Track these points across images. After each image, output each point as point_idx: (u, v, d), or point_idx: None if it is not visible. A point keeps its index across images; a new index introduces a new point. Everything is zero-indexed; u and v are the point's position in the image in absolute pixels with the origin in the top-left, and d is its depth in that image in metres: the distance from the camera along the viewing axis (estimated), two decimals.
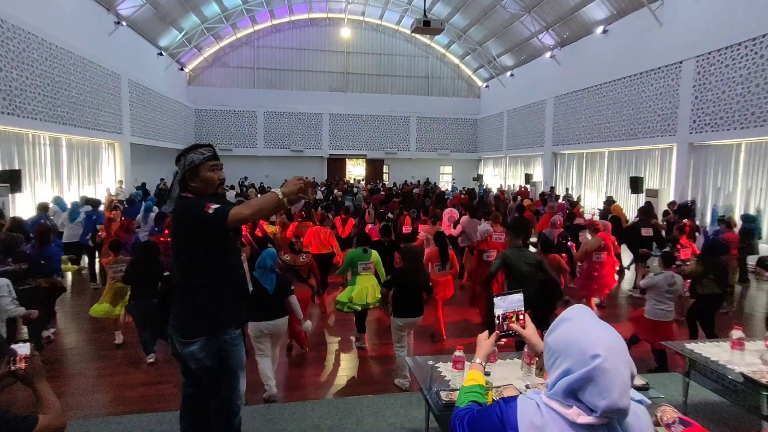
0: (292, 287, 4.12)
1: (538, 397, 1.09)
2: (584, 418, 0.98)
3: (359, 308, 4.87)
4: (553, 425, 1.01)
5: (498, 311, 1.63)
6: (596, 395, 0.96)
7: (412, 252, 4.31)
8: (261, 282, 3.85)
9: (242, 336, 2.49)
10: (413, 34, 19.12)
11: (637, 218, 7.91)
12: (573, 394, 1.01)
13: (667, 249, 5.45)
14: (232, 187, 17.50)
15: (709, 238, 6.32)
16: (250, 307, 3.93)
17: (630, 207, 12.50)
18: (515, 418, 1.07)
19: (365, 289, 4.88)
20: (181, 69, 20.92)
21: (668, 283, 4.34)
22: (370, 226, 7.52)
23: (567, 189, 15.86)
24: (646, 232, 7.17)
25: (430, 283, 4.49)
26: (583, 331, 1.03)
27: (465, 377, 1.49)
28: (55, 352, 4.88)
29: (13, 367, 1.63)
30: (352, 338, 5.32)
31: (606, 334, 1.03)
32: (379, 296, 4.76)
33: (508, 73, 20.73)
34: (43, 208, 7.53)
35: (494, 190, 18.62)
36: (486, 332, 1.66)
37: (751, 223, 8.02)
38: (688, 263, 5.84)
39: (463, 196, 13.54)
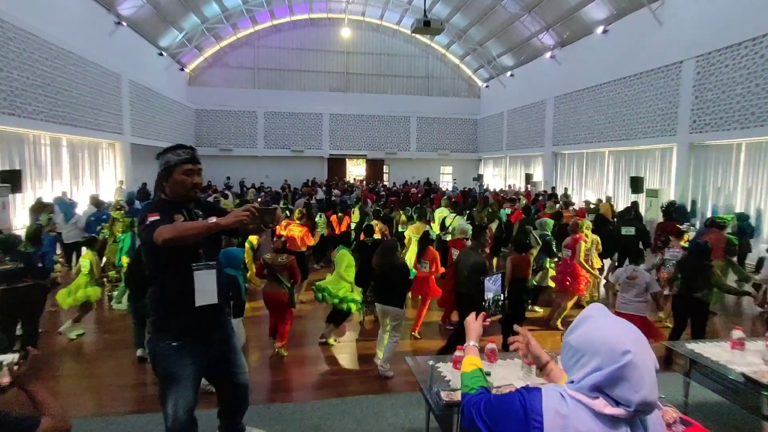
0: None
1: (561, 389, 1.10)
2: (611, 410, 1.01)
3: (335, 302, 5.00)
4: (579, 414, 1.04)
5: (488, 294, 1.68)
6: (629, 390, 0.99)
7: (384, 246, 4.61)
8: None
9: (182, 352, 2.29)
10: (413, 35, 19.10)
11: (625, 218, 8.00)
12: (601, 389, 1.03)
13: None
14: (230, 188, 17.55)
15: (692, 242, 6.26)
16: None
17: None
18: (540, 407, 1.08)
19: (341, 285, 5.04)
20: (182, 69, 20.92)
21: (627, 275, 4.49)
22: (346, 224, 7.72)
23: (565, 189, 15.86)
24: (626, 231, 7.23)
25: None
26: (608, 329, 1.06)
27: (463, 363, 1.50)
28: (55, 352, 4.88)
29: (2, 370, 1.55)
30: (338, 340, 5.31)
31: (630, 331, 1.06)
32: (353, 297, 5.02)
33: (508, 73, 20.72)
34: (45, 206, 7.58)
35: (491, 190, 18.66)
36: (473, 314, 1.71)
37: (743, 221, 8.04)
38: (663, 270, 5.84)
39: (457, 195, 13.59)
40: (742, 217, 8.19)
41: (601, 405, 1.01)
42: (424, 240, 5.62)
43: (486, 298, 1.65)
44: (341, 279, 5.07)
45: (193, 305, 2.25)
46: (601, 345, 1.03)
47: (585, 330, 1.09)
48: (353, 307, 5.04)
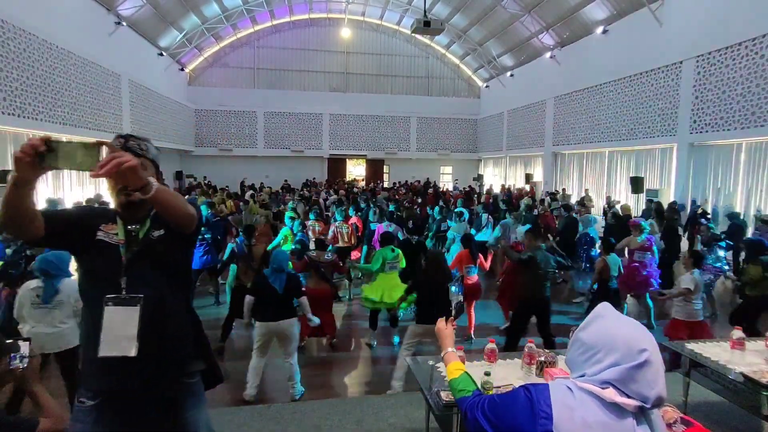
0: (303, 288, 4.28)
1: (568, 382, 1.12)
2: (621, 399, 1.03)
3: (384, 307, 5.09)
4: (586, 404, 1.05)
5: (460, 298, 1.73)
6: (646, 386, 1.02)
7: (434, 257, 4.27)
8: (270, 281, 3.92)
9: (97, 418, 1.60)
10: (413, 35, 19.09)
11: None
12: (614, 384, 1.05)
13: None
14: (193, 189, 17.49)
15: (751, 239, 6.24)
16: (258, 306, 3.95)
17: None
18: (549, 399, 1.08)
19: (393, 288, 5.05)
20: (182, 69, 20.91)
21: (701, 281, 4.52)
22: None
23: (564, 189, 15.83)
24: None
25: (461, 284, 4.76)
26: (623, 327, 1.09)
27: (448, 370, 1.50)
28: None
29: (12, 365, 1.55)
30: (365, 340, 5.37)
31: (642, 330, 1.09)
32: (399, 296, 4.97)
33: (508, 73, 20.71)
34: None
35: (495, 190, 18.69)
36: (442, 320, 1.73)
37: (735, 219, 8.05)
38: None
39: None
40: (734, 215, 8.19)
41: (612, 394, 1.03)
42: (472, 244, 5.63)
43: (457, 301, 1.67)
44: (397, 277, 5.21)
45: (90, 356, 1.60)
46: (619, 342, 1.05)
47: (599, 327, 1.11)
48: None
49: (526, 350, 2.79)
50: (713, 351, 3.22)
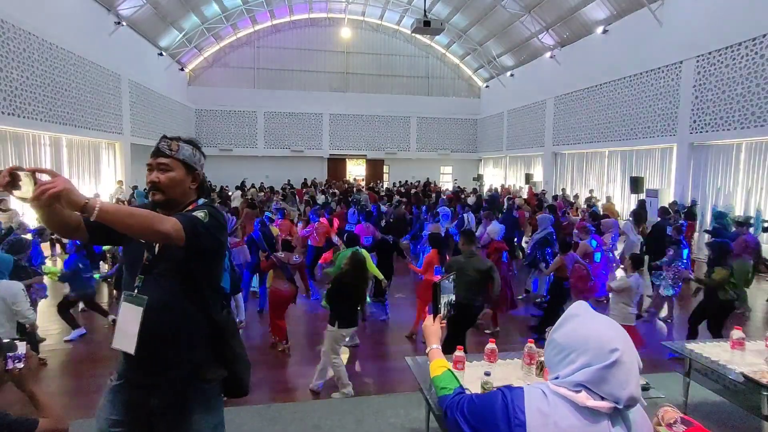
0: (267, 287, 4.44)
1: (543, 386, 1.10)
2: (593, 402, 1.01)
3: None
4: (559, 409, 1.03)
5: (450, 296, 1.71)
6: (617, 387, 1.00)
7: (356, 259, 4.14)
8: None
9: (116, 397, 1.73)
10: (413, 34, 19.11)
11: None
12: (585, 386, 1.03)
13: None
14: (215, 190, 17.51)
15: (717, 240, 6.17)
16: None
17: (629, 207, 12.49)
18: (523, 405, 1.07)
19: None
20: (182, 69, 20.91)
21: (637, 285, 4.44)
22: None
23: (563, 189, 15.82)
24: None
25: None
26: (597, 327, 1.06)
27: (431, 367, 1.49)
28: (55, 353, 4.87)
29: (9, 366, 1.55)
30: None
31: (616, 329, 1.07)
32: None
33: (508, 73, 20.72)
34: None
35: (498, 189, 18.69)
36: (430, 318, 1.70)
37: (721, 219, 7.98)
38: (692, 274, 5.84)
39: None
40: (720, 216, 8.14)
41: (584, 398, 1.02)
42: (441, 245, 5.53)
43: (446, 301, 1.63)
44: None
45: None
46: (589, 342, 1.04)
47: (572, 328, 1.09)
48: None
49: (526, 350, 2.79)
50: (713, 351, 3.22)
